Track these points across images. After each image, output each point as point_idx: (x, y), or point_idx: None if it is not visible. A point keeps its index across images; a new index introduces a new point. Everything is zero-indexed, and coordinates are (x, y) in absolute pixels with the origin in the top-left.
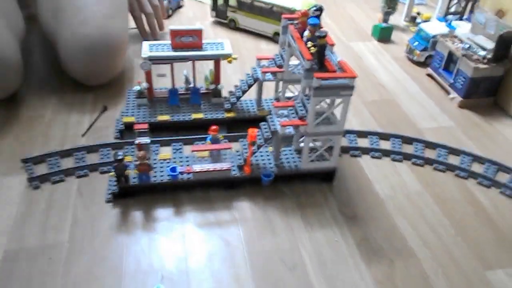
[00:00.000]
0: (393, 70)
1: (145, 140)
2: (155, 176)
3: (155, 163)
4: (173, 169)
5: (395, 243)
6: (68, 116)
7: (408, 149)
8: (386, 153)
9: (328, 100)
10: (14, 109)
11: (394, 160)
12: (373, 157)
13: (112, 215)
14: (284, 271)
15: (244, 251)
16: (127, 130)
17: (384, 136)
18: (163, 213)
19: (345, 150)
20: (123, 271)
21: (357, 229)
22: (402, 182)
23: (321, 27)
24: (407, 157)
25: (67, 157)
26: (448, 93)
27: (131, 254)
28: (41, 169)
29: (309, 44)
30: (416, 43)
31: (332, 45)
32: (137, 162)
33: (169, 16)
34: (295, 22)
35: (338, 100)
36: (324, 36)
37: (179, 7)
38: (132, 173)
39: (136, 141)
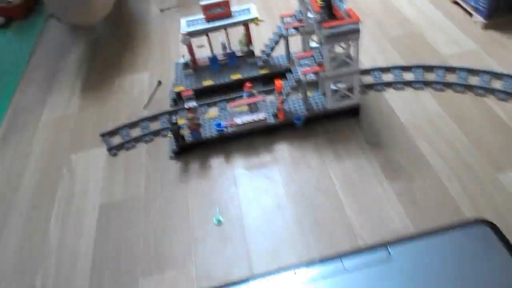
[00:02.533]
0: (419, 3)
1: (193, 103)
2: (205, 133)
3: (204, 122)
4: (219, 125)
5: (415, 162)
6: (131, 93)
7: (430, 77)
8: (408, 84)
9: (343, 45)
10: (87, 93)
11: (416, 88)
12: (395, 88)
13: (176, 169)
14: (318, 194)
15: (283, 184)
16: (179, 98)
17: (407, 68)
18: (216, 162)
19: (370, 86)
20: (189, 209)
21: (381, 154)
22: (424, 108)
23: None
24: (428, 84)
25: (135, 127)
26: (471, 16)
27: (194, 196)
28: (116, 140)
29: None
30: None
31: None
32: (188, 123)
33: None
34: None
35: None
36: None
37: None
38: (185, 132)
39: (186, 106)
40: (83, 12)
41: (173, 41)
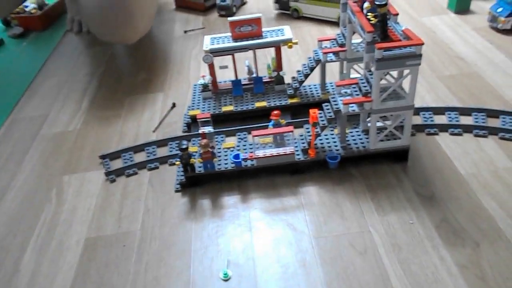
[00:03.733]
0: (474, 41)
1: (208, 128)
2: (219, 164)
3: (219, 152)
4: (237, 156)
5: (480, 225)
6: (141, 114)
7: (495, 123)
8: (467, 128)
9: (394, 73)
10: (94, 110)
11: (477, 135)
12: (452, 134)
13: (181, 204)
14: (354, 255)
15: (311, 236)
16: (194, 123)
17: (465, 111)
18: (230, 201)
19: (419, 128)
20: (191, 256)
21: (436, 210)
22: (488, 158)
23: None
24: (493, 131)
25: (140, 152)
26: None
27: (198, 240)
28: (117, 164)
29: (369, 15)
30: (500, 9)
31: (396, 15)
32: (201, 151)
33: (233, 14)
34: None
35: (406, 72)
36: (385, 4)
37: (243, 3)
38: (196, 161)
39: (200, 131)
40: (124, 31)
41: (194, 64)
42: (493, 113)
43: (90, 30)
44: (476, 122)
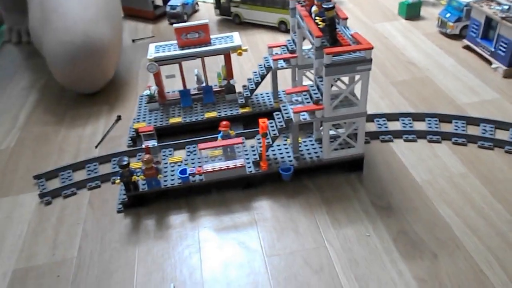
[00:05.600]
0: (425, 46)
1: (152, 142)
2: (165, 181)
3: (166, 167)
4: (184, 171)
5: (438, 234)
6: (83, 129)
7: (447, 128)
8: (421, 134)
9: (346, 79)
10: (31, 126)
11: (431, 141)
12: (406, 140)
13: (123, 226)
14: (310, 274)
15: (263, 255)
16: (140, 137)
17: (418, 117)
18: (177, 220)
19: (374, 136)
20: (133, 285)
21: (393, 221)
22: (442, 164)
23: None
24: (446, 136)
25: (80, 170)
26: (490, 63)
27: (142, 266)
28: (54, 184)
29: (318, 19)
30: (448, 14)
31: (345, 19)
32: (144, 167)
33: (185, 22)
34: (302, 0)
35: (356, 78)
36: (332, 8)
37: (195, 11)
38: (139, 179)
39: (143, 145)
40: (97, 80)
41: (142, 74)
42: (446, 118)
43: (54, 77)
44: (430, 127)
